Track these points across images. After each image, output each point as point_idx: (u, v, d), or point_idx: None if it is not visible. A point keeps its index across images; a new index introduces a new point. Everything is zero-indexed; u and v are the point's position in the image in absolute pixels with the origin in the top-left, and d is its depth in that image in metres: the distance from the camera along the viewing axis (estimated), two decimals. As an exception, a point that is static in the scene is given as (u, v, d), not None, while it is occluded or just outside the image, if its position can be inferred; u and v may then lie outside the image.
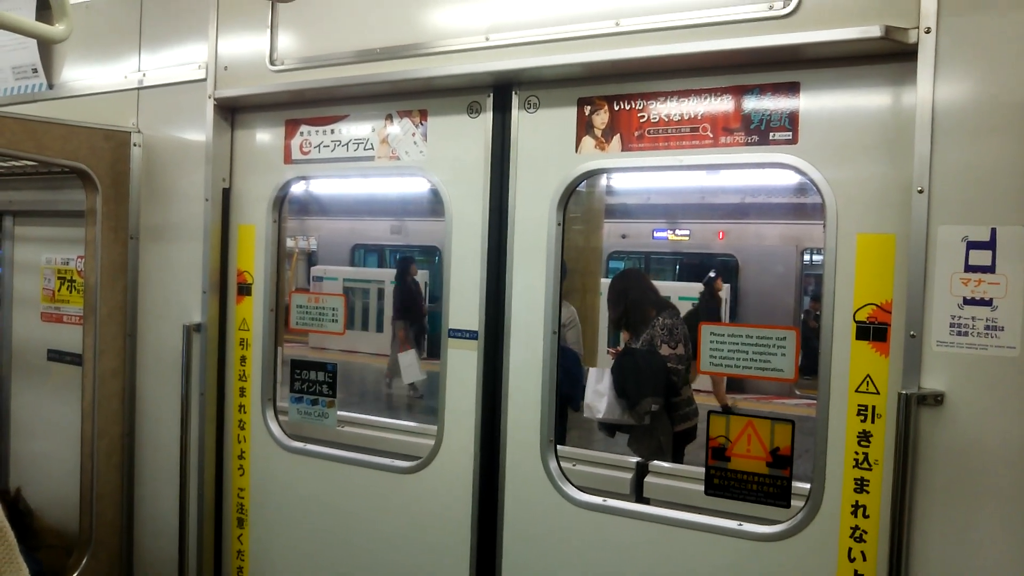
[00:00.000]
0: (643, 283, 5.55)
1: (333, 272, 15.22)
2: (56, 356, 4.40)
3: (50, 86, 4.24)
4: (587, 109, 2.91)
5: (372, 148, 3.37)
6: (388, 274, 14.98)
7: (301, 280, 15.12)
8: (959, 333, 2.28)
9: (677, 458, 5.03)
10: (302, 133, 3.54)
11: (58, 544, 4.16)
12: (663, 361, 4.91)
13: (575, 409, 5.32)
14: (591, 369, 5.22)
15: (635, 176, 10.17)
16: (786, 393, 11.21)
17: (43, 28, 2.21)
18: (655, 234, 13.19)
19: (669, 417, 5.00)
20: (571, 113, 2.94)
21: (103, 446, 3.81)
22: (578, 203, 7.71)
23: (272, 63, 3.50)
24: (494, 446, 3.11)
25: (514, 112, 3.04)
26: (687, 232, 13.01)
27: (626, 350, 5.32)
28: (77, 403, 3.87)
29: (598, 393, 4.92)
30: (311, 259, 16.24)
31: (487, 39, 3.00)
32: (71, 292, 4.32)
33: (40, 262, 4.46)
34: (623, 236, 13.18)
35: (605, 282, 9.95)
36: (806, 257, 12.37)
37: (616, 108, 2.85)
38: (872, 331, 2.44)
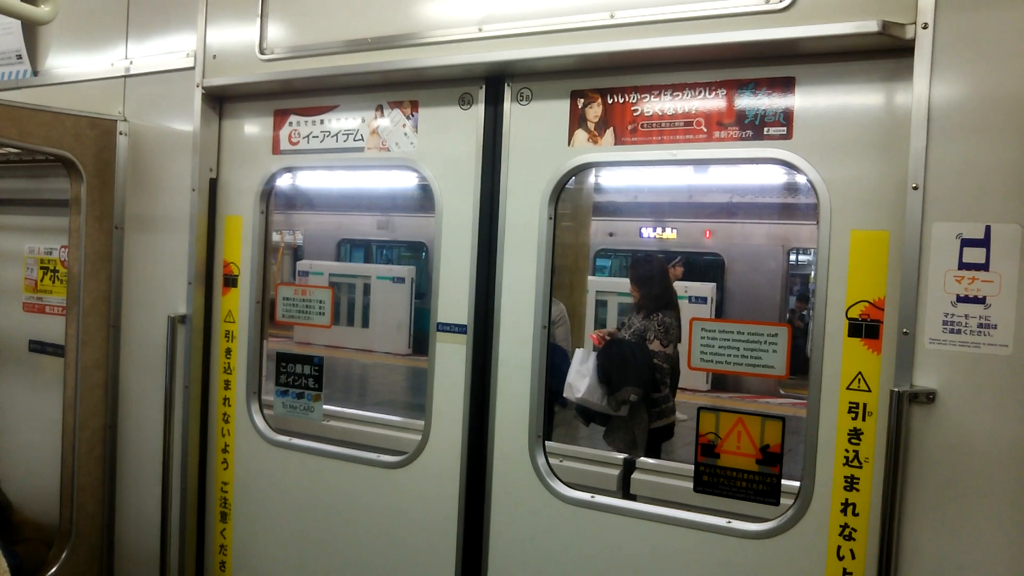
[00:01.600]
0: (663, 276, 5.63)
1: (319, 267, 15.18)
2: (38, 347, 4.34)
3: (35, 73, 4.17)
4: (580, 102, 2.88)
5: (362, 139, 3.33)
6: (374, 269, 14.94)
7: (287, 275, 15.07)
8: (952, 331, 2.27)
9: (654, 454, 5.04)
10: (291, 123, 3.50)
11: (38, 538, 4.10)
12: (649, 355, 4.90)
13: (563, 406, 5.30)
14: (578, 350, 5.21)
15: (623, 173, 10.19)
16: (771, 392, 11.26)
17: (27, 9, 2.17)
18: (642, 232, 13.23)
19: (647, 412, 5.01)
20: (564, 106, 2.91)
21: (85, 438, 3.77)
22: (567, 200, 7.70)
23: (261, 52, 3.46)
24: (482, 441, 3.09)
25: (506, 104, 3.01)
26: (674, 231, 13.06)
27: (616, 339, 5.32)
28: (59, 395, 3.81)
29: (580, 374, 4.91)
30: (297, 254, 16.19)
31: (480, 30, 2.97)
32: (54, 282, 4.26)
33: (23, 251, 4.39)
34: (610, 234, 13.24)
35: (592, 280, 9.99)
36: (792, 257, 12.46)
37: (610, 101, 2.83)
38: (864, 328, 2.43)
